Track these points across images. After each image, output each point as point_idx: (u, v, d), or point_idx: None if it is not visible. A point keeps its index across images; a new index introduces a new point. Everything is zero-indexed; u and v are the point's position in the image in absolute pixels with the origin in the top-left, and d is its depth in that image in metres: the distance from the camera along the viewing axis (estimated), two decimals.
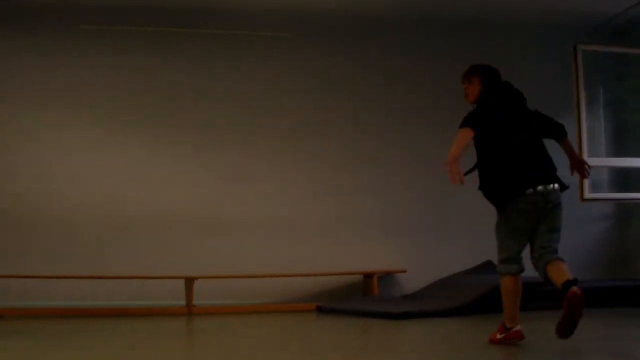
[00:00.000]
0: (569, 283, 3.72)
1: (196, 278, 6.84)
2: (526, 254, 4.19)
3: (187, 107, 7.49)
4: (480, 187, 4.17)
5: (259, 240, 7.38)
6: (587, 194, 7.32)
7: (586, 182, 7.27)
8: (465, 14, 7.76)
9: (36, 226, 7.04)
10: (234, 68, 7.63)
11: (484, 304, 6.15)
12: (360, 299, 7.15)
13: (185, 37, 7.54)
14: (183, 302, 6.84)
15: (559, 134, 4.29)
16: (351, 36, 7.87)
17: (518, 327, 4.16)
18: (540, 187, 3.98)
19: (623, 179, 8.19)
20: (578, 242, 7.68)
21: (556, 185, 4.07)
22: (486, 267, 7.30)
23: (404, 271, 7.49)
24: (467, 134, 4.00)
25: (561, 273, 3.83)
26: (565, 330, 3.71)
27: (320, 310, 6.85)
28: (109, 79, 7.36)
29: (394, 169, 7.80)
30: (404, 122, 7.85)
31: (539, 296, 5.79)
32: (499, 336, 4.21)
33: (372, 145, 7.78)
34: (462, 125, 4.04)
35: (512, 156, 4.04)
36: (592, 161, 7.48)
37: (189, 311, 6.78)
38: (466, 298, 6.26)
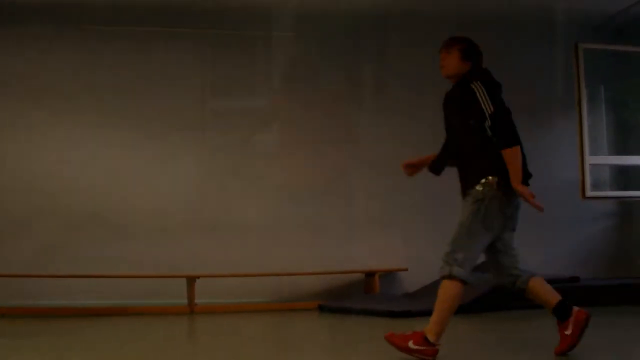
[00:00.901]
0: (566, 302, 3.63)
1: (198, 277, 6.84)
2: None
3: (187, 107, 7.50)
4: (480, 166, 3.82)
5: (261, 239, 7.38)
6: (589, 192, 7.33)
7: (588, 180, 7.29)
8: (466, 12, 7.75)
9: (38, 225, 7.05)
10: (233, 68, 7.63)
11: (485, 303, 6.15)
12: (362, 298, 7.14)
13: (178, 36, 7.53)
14: (185, 301, 6.84)
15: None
16: (350, 34, 7.85)
17: (438, 346, 3.65)
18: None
19: (624, 177, 8.20)
20: (579, 240, 7.68)
21: None
22: (487, 266, 7.28)
23: (406, 269, 7.49)
24: (519, 153, 3.70)
25: (550, 291, 3.69)
26: (571, 348, 3.60)
27: (322, 308, 6.84)
28: (109, 78, 7.35)
29: (396, 168, 7.76)
30: (405, 122, 7.83)
31: None
32: (413, 346, 3.64)
33: (373, 144, 7.77)
34: (510, 144, 3.68)
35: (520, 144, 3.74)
36: (593, 159, 7.52)
37: (191, 310, 6.79)
38: (467, 296, 6.23)
